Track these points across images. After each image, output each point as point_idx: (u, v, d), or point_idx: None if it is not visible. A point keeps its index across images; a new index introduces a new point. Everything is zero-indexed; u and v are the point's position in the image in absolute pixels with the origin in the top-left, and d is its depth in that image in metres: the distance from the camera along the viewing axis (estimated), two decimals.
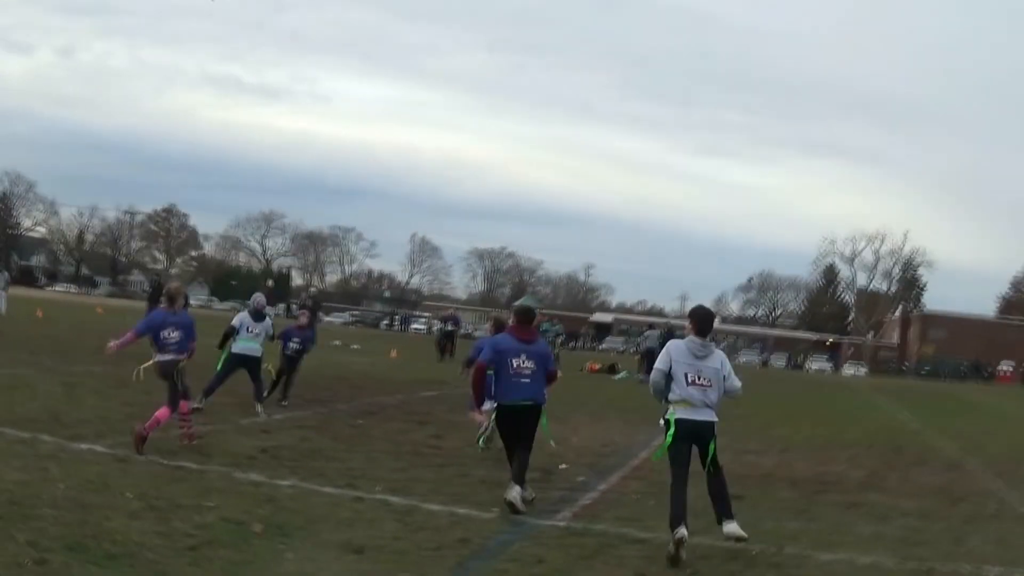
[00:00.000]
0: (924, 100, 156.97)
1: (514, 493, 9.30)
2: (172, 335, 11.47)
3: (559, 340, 36.08)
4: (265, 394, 15.13)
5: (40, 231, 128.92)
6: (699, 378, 8.47)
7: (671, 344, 8.78)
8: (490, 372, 10.12)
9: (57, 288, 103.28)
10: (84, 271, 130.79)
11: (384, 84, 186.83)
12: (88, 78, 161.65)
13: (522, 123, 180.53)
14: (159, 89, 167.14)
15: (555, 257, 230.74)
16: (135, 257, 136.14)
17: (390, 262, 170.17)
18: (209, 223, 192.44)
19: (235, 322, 15.03)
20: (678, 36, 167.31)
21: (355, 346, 41.65)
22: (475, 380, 10.00)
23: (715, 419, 8.52)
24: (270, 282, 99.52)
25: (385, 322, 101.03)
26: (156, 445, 10.96)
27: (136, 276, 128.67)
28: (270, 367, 15.69)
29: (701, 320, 8.76)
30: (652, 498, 10.46)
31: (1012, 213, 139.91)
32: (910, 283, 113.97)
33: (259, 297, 15.75)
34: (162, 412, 11.11)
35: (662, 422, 8.61)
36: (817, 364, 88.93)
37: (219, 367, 14.70)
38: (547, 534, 8.53)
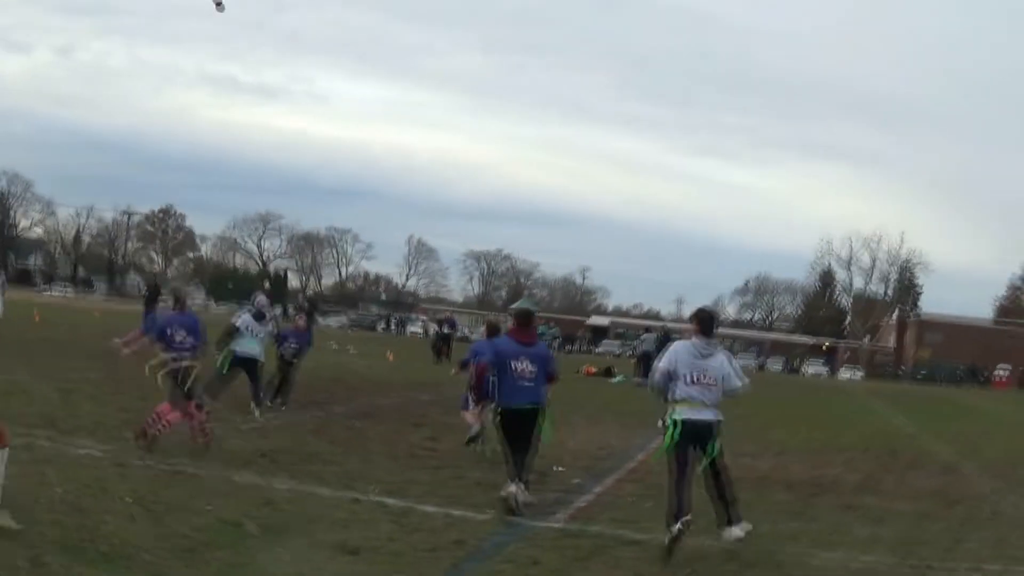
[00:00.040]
0: (923, 101, 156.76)
1: (511, 488, 9.35)
2: (179, 336, 11.52)
3: (556, 343, 36.13)
4: (271, 401, 15.25)
5: (37, 231, 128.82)
6: (703, 377, 8.53)
7: (675, 344, 8.88)
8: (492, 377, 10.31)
9: (54, 292, 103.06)
10: (81, 272, 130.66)
11: (380, 84, 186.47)
12: (87, 78, 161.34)
13: (519, 124, 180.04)
14: (157, 89, 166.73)
15: (552, 259, 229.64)
16: (132, 258, 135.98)
17: (387, 264, 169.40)
18: (206, 224, 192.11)
19: (237, 323, 15.02)
20: (676, 36, 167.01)
21: (351, 349, 41.62)
22: (476, 379, 10.11)
23: (718, 418, 8.55)
24: (267, 284, 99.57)
25: (382, 324, 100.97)
26: (154, 448, 10.99)
27: (133, 278, 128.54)
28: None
29: (704, 321, 8.89)
30: (648, 500, 10.48)
31: (1009, 215, 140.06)
32: (906, 287, 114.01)
33: (261, 298, 15.78)
34: (169, 413, 11.22)
35: (660, 423, 8.64)
36: (813, 368, 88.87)
37: (220, 368, 14.64)
38: (543, 536, 8.55)
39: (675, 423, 8.46)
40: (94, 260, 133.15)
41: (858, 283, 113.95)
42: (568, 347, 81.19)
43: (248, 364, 14.81)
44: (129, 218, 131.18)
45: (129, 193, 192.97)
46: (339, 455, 11.94)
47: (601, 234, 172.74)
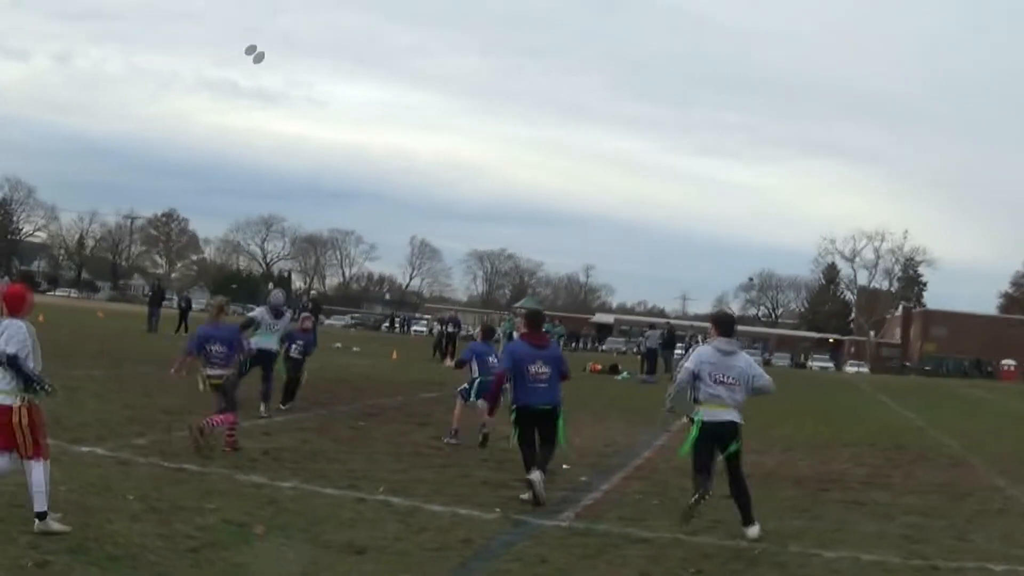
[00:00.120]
0: (922, 101, 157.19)
1: (535, 475, 9.63)
2: (216, 349, 11.61)
3: (560, 341, 36.11)
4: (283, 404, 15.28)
5: (41, 236, 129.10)
6: (726, 378, 8.75)
7: (698, 349, 9.14)
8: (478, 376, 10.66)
9: (58, 293, 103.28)
10: (85, 276, 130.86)
11: (379, 87, 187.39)
12: (85, 84, 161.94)
13: (518, 125, 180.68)
14: (155, 95, 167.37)
15: (555, 258, 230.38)
16: (136, 262, 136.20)
17: (390, 265, 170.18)
18: (209, 227, 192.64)
19: (253, 314, 15.20)
20: (675, 37, 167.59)
21: (356, 348, 41.62)
22: (494, 388, 10.49)
23: (739, 420, 8.80)
24: (271, 285, 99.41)
25: (386, 324, 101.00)
26: (158, 448, 10.97)
27: (137, 280, 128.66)
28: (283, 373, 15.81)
29: (723, 323, 9.24)
30: (655, 498, 10.47)
31: (1011, 210, 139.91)
32: (911, 281, 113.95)
33: (278, 294, 16.11)
34: (225, 417, 11.36)
35: (685, 418, 8.96)
36: (819, 363, 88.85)
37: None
38: (550, 534, 8.51)
39: (697, 424, 8.72)
40: (98, 264, 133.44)
41: (862, 279, 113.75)
42: (573, 345, 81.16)
43: (264, 358, 14.88)
44: (132, 222, 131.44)
45: (130, 198, 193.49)
46: (344, 454, 11.91)
47: (603, 233, 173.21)
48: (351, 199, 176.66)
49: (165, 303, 46.51)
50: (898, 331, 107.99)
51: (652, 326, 38.70)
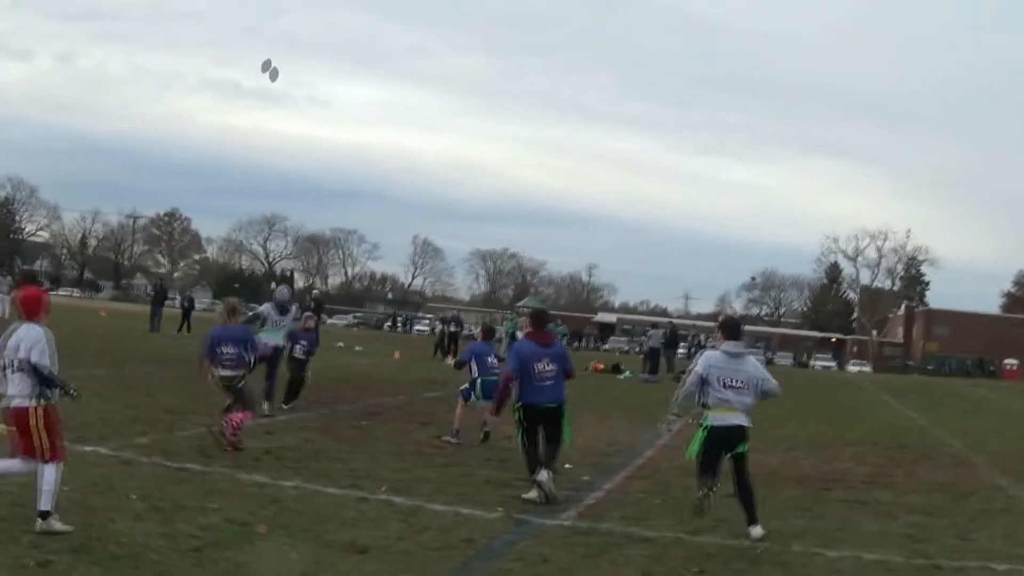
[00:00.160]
0: (922, 99, 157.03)
1: (544, 476, 9.73)
2: (227, 350, 11.63)
3: (563, 340, 36.09)
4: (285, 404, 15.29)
5: (43, 236, 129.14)
6: (735, 382, 8.81)
7: (706, 353, 9.16)
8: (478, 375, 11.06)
9: (61, 292, 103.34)
10: (88, 275, 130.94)
11: (380, 87, 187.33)
12: (87, 84, 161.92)
13: (519, 125, 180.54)
14: (158, 94, 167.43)
15: (557, 257, 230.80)
16: (138, 261, 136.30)
17: (392, 264, 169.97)
18: (211, 227, 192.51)
19: (260, 310, 15.26)
20: (676, 37, 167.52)
21: (358, 348, 41.63)
22: (502, 388, 10.47)
23: (747, 424, 8.85)
24: (274, 284, 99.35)
25: (388, 324, 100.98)
26: (161, 447, 10.97)
27: (139, 280, 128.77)
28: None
29: (731, 328, 9.28)
30: (657, 497, 10.47)
31: (1013, 209, 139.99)
32: (914, 280, 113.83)
33: (284, 290, 16.27)
34: (242, 416, 11.43)
35: (666, 425, 9.15)
36: (822, 362, 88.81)
37: None
38: (552, 533, 8.51)
39: (706, 429, 8.80)
40: (100, 263, 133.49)
41: (864, 278, 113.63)
42: (575, 344, 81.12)
43: (269, 355, 14.91)
44: (134, 222, 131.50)
45: (132, 198, 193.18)
46: (346, 453, 11.91)
47: (606, 232, 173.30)
48: (353, 199, 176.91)
49: (168, 303, 46.52)
50: (901, 330, 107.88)
51: (654, 325, 38.72)
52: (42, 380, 7.14)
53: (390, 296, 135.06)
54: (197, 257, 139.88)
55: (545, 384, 10.08)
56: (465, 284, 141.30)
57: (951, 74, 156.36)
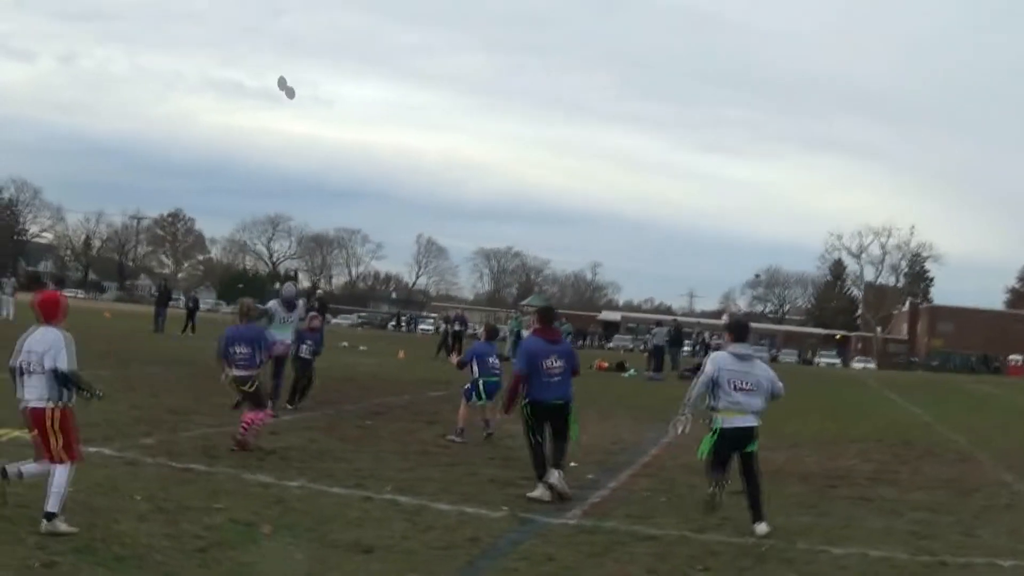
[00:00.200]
0: (924, 96, 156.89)
1: (555, 477, 9.82)
2: (240, 350, 11.70)
3: (568, 339, 36.06)
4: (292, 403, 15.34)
5: (47, 237, 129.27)
6: (745, 384, 8.86)
7: (713, 357, 9.17)
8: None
9: (65, 293, 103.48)
10: (92, 276, 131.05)
11: (383, 86, 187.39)
12: (89, 85, 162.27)
13: (522, 124, 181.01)
14: (160, 95, 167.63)
15: (561, 256, 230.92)
16: (142, 262, 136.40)
17: (396, 263, 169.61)
18: (215, 227, 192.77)
19: (267, 308, 15.31)
20: (677, 35, 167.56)
21: (362, 347, 41.65)
22: (512, 389, 10.45)
23: (756, 423, 8.91)
24: (277, 284, 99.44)
25: (392, 323, 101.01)
26: (165, 448, 10.98)
27: (143, 280, 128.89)
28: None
29: (739, 329, 9.45)
30: (662, 495, 10.46)
31: (1016, 205, 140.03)
32: (918, 276, 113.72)
33: (290, 287, 16.47)
34: (255, 415, 11.52)
35: (680, 428, 8.93)
36: (826, 359, 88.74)
37: None
38: (557, 532, 8.50)
39: (716, 432, 8.85)
40: (105, 264, 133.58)
41: (868, 274, 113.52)
42: (580, 342, 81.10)
43: (284, 352, 14.97)
44: (138, 222, 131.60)
45: (135, 198, 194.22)
46: (351, 453, 11.91)
47: (610, 231, 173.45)
48: (357, 198, 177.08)
49: (172, 303, 46.55)
50: (905, 327, 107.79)
51: (659, 323, 38.66)
52: (67, 384, 7.19)
53: (394, 295, 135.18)
54: (201, 258, 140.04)
55: (553, 380, 10.14)
56: (469, 283, 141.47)
57: (953, 71, 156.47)
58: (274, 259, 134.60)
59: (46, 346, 7.27)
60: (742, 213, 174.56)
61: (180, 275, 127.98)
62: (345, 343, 42.33)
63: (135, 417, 13.03)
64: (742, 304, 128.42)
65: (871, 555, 8.14)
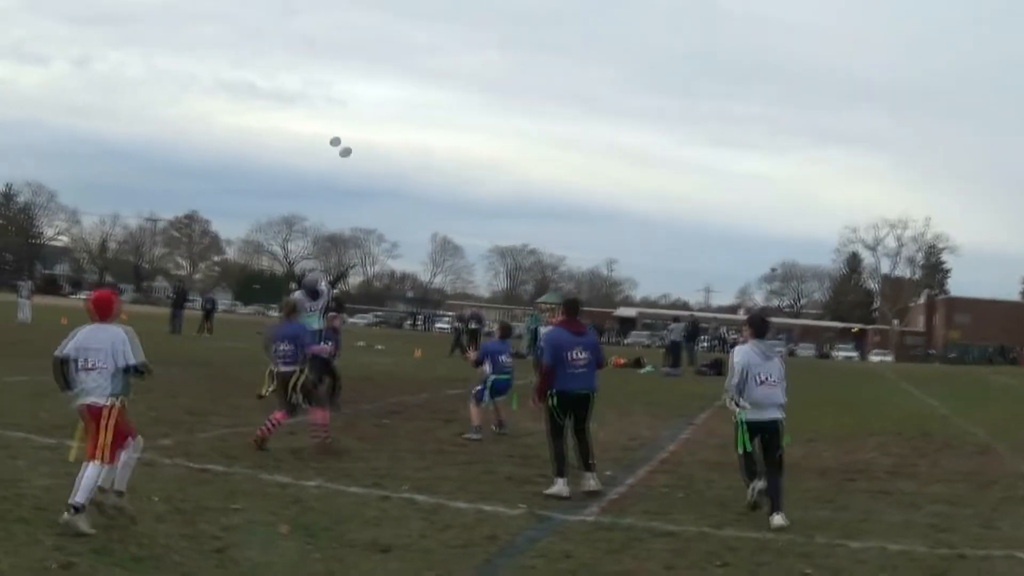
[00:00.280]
0: (937, 88, 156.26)
1: (592, 483, 10.05)
2: (283, 347, 11.87)
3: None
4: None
5: (63, 240, 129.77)
6: (768, 377, 9.17)
7: (739, 350, 9.43)
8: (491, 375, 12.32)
9: (81, 296, 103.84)
10: (108, 278, 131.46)
11: (396, 85, 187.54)
12: (104, 88, 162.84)
13: (535, 121, 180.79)
14: (174, 97, 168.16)
15: (577, 253, 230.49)
16: (158, 264, 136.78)
17: (412, 262, 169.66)
18: (230, 228, 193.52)
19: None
20: (687, 30, 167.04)
21: (379, 346, 41.70)
22: (542, 381, 10.44)
23: (780, 416, 9.21)
24: (292, 285, 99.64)
25: (409, 322, 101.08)
26: (183, 448, 11.01)
27: (160, 282, 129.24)
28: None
29: (757, 324, 9.64)
30: (680, 491, 10.44)
31: None
32: (934, 268, 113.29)
33: (312, 275, 16.41)
34: (279, 415, 11.72)
35: (735, 409, 9.27)
36: (843, 353, 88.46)
37: None
38: (575, 529, 8.49)
39: (742, 424, 9.19)
40: (121, 266, 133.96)
41: (885, 267, 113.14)
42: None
43: (326, 352, 15.04)
44: (154, 224, 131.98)
45: (150, 200, 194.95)
46: (368, 452, 11.92)
47: (625, 226, 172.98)
48: (370, 197, 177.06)
49: (188, 304, 46.66)
50: (922, 319, 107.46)
51: (676, 319, 38.59)
52: (139, 375, 7.59)
53: (410, 294, 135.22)
54: (217, 259, 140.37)
55: (578, 371, 10.23)
56: (485, 281, 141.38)
57: (967, 62, 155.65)
58: (290, 260, 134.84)
59: (110, 344, 7.49)
60: (754, 207, 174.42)
61: (196, 276, 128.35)
62: (362, 342, 42.39)
63: (152, 418, 13.04)
64: (759, 299, 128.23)
65: (890, 549, 8.10)
